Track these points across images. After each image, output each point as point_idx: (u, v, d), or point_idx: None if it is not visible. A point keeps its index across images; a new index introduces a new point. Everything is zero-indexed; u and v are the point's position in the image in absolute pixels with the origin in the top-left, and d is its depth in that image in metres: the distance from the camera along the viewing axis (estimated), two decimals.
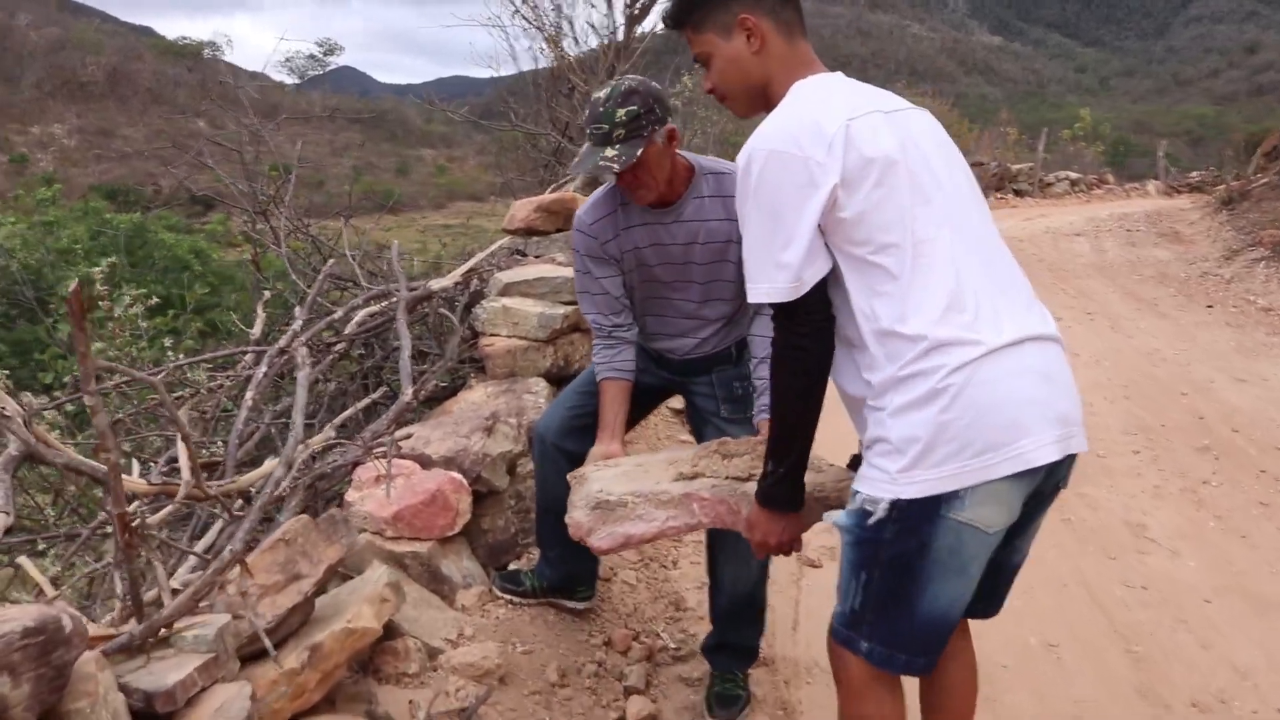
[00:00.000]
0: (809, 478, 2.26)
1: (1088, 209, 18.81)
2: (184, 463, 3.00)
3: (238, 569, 2.25)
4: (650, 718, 3.11)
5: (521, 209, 5.31)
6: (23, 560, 2.94)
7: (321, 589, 2.63)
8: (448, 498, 3.30)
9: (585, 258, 3.07)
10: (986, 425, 1.89)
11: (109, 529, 3.11)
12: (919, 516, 1.93)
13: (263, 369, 3.80)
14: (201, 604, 2.28)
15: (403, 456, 3.50)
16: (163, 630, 2.10)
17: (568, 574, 3.38)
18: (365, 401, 4.03)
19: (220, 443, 3.59)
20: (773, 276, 1.97)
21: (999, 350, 1.92)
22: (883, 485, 1.96)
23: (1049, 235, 14.91)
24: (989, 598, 2.22)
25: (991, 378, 1.90)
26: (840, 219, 1.95)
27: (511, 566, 3.56)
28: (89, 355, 1.85)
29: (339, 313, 4.30)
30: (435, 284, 4.34)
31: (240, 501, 3.31)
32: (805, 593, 4.07)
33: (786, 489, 2.17)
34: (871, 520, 1.98)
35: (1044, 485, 2.01)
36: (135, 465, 3.25)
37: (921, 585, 1.98)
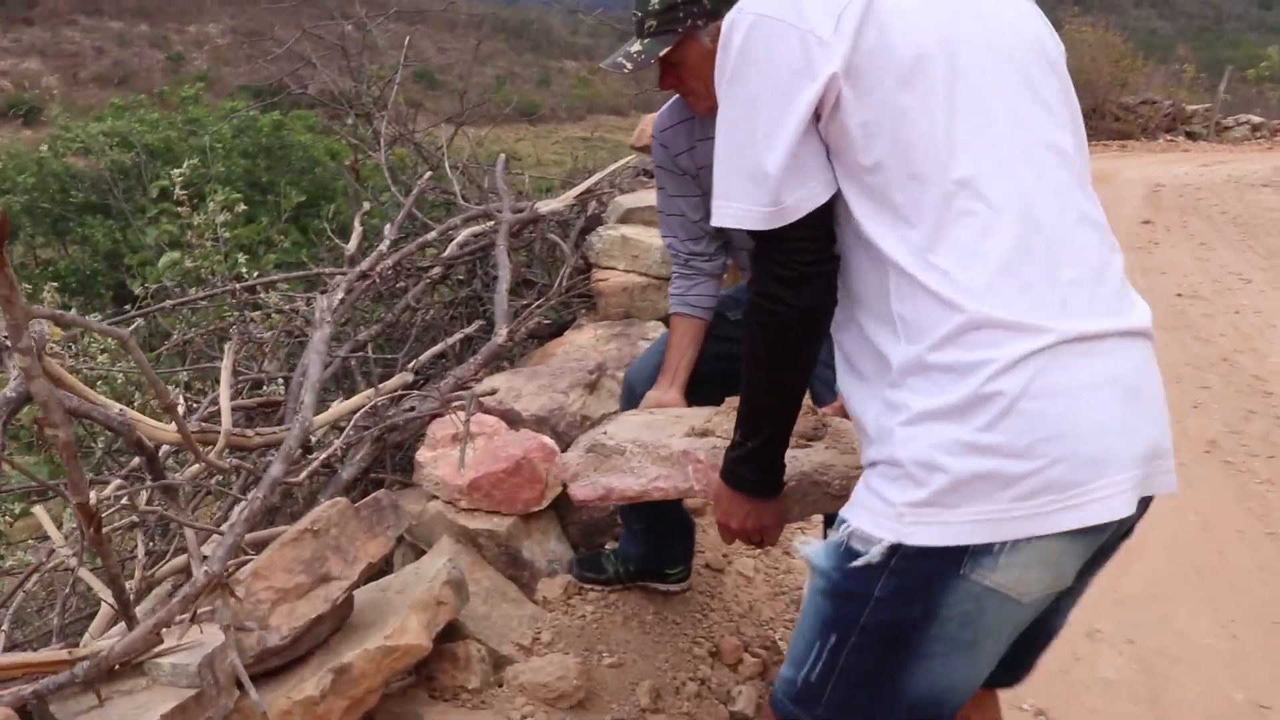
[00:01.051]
0: (815, 455, 1.91)
1: (1272, 157, 17.18)
2: (224, 406, 2.52)
3: (240, 571, 1.73)
4: None
5: (651, 124, 4.68)
6: (37, 510, 2.50)
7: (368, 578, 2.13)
8: (535, 467, 2.75)
9: (660, 170, 2.63)
10: (1047, 457, 1.33)
11: (144, 477, 2.66)
12: (929, 572, 1.38)
13: (339, 295, 3.30)
14: (201, 611, 1.79)
15: (487, 411, 2.96)
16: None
17: (656, 551, 2.82)
18: (455, 337, 3.51)
19: (282, 380, 3.11)
20: (746, 191, 1.45)
21: (1071, 345, 1.36)
22: (882, 520, 1.40)
23: (1232, 185, 13.55)
24: (1011, 666, 1.63)
25: (1059, 387, 1.34)
26: (844, 127, 1.41)
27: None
28: (16, 302, 1.33)
29: (434, 232, 3.77)
30: (543, 206, 3.77)
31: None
32: None
33: (754, 470, 1.69)
34: (858, 564, 1.40)
35: (1111, 539, 1.44)
36: (180, 406, 2.78)
37: (915, 663, 1.43)
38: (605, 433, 2.19)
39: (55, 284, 11.49)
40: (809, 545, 1.55)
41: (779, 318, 1.49)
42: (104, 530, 1.56)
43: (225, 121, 11.83)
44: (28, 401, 1.92)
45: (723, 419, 2.12)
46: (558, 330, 3.94)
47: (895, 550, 1.38)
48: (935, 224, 1.38)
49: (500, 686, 2.37)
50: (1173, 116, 21.48)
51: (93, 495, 1.56)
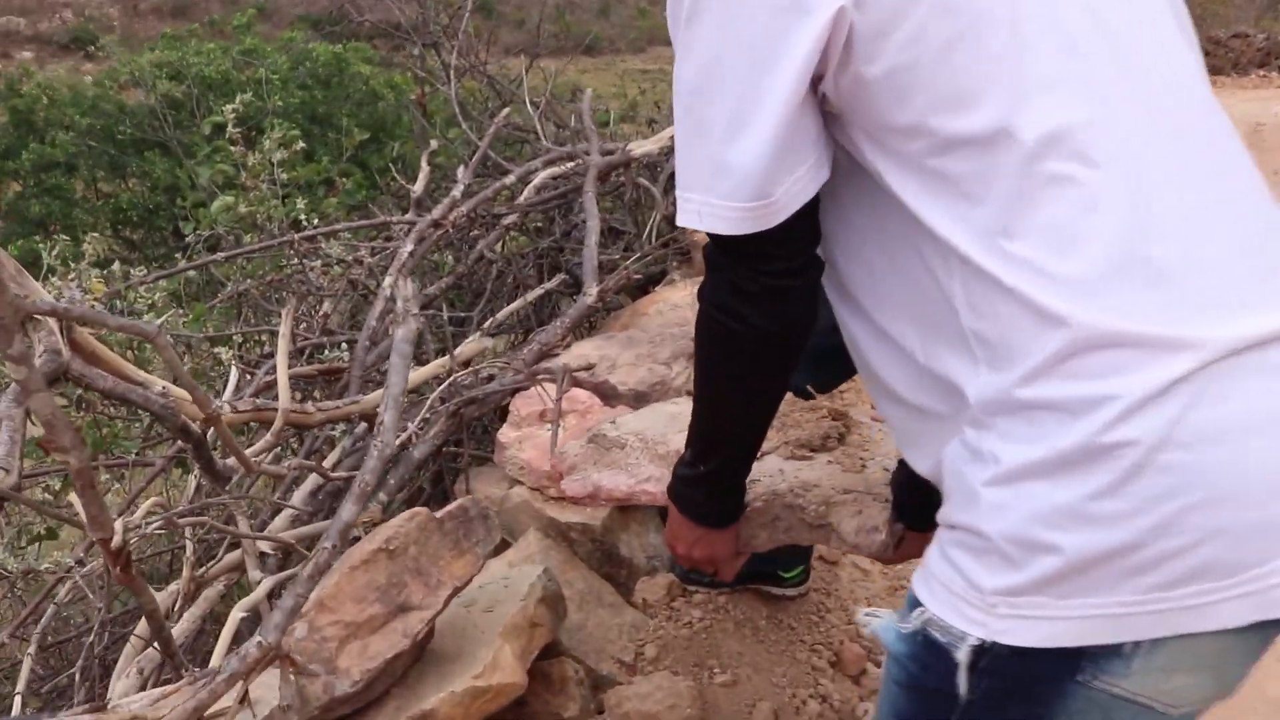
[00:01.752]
0: (803, 471, 1.64)
1: None
2: (281, 380, 2.19)
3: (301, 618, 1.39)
4: None
5: None
6: (73, 496, 2.19)
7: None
8: None
9: None
10: (1201, 530, 0.92)
11: (186, 458, 2.35)
12: (1034, 676, 1.00)
13: (409, 246, 2.95)
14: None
15: (577, 385, 2.61)
16: None
17: (773, 550, 2.47)
18: (535, 293, 3.15)
19: (345, 344, 2.77)
20: (713, 182, 1.04)
21: (1235, 360, 0.93)
22: (967, 610, 1.00)
23: None
24: None
25: (1219, 427, 0.92)
26: (860, 80, 1.00)
27: None
28: (5, 298, 0.98)
29: (512, 176, 3.40)
30: (637, 148, 3.38)
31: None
32: None
33: (704, 495, 1.41)
34: (935, 659, 1.02)
35: None
36: (233, 375, 2.45)
37: None
38: (614, 421, 1.95)
39: (116, 218, 11.31)
40: (877, 620, 1.15)
41: (737, 339, 1.15)
42: (134, 562, 1.23)
43: (282, 52, 11.48)
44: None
45: None
46: (643, 287, 3.57)
47: (985, 652, 0.99)
48: (1012, 198, 0.97)
49: (600, 714, 2.04)
50: (1266, 51, 20.40)
51: (118, 525, 1.22)
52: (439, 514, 1.68)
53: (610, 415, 2.08)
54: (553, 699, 1.97)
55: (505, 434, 2.50)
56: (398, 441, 2.28)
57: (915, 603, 1.06)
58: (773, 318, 1.13)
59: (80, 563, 1.80)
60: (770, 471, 1.59)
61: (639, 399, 2.55)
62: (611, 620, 2.24)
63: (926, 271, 1.04)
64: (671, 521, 1.48)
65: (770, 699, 2.26)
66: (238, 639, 1.68)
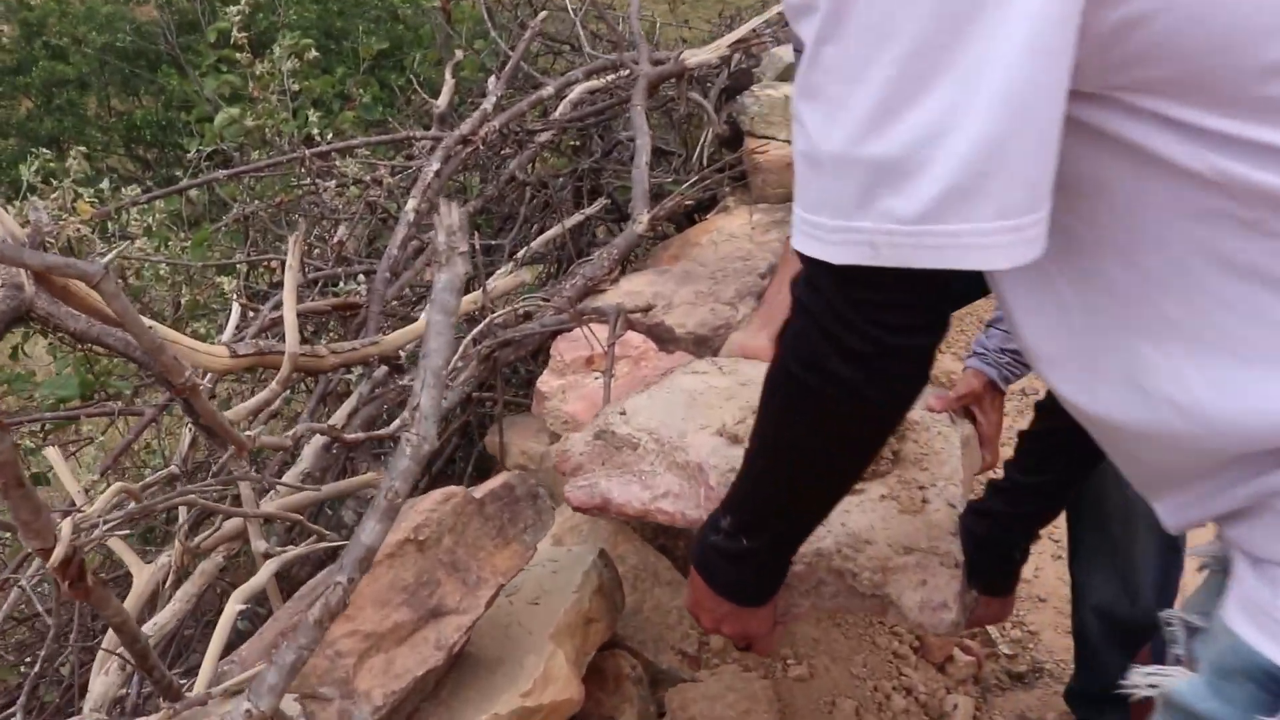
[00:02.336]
0: (852, 515, 1.37)
1: None
2: (289, 319, 1.88)
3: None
4: None
5: None
6: (49, 452, 1.89)
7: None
8: None
9: None
10: None
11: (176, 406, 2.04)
12: None
13: (434, 165, 2.61)
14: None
15: (630, 326, 2.28)
16: None
17: None
18: (574, 219, 2.81)
19: (363, 275, 2.44)
20: (871, 190, 0.77)
21: None
22: None
23: None
24: None
25: None
26: (1112, 28, 0.73)
27: None
28: None
29: (549, 88, 3.03)
30: (691, 58, 3.00)
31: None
32: None
33: (742, 572, 1.16)
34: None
35: None
36: (234, 312, 2.13)
37: None
38: (623, 413, 1.66)
39: (130, 136, 10.92)
40: (1177, 680, 0.88)
41: (830, 407, 0.93)
42: (88, 578, 0.92)
43: None
44: None
45: None
46: (689, 217, 3.22)
47: None
48: None
49: (661, 718, 1.74)
50: None
51: (65, 527, 0.91)
52: (479, 493, 1.37)
53: (618, 403, 1.73)
54: (605, 699, 1.68)
55: (546, 382, 2.18)
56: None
57: (1240, 647, 0.81)
58: (887, 386, 0.90)
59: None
60: None
61: (700, 344, 2.22)
62: (670, 602, 1.93)
63: (1221, 277, 0.79)
64: (695, 589, 1.21)
65: (851, 694, 1.97)
66: (229, 646, 1.38)
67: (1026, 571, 2.57)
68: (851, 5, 0.74)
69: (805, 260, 0.86)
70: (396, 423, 1.88)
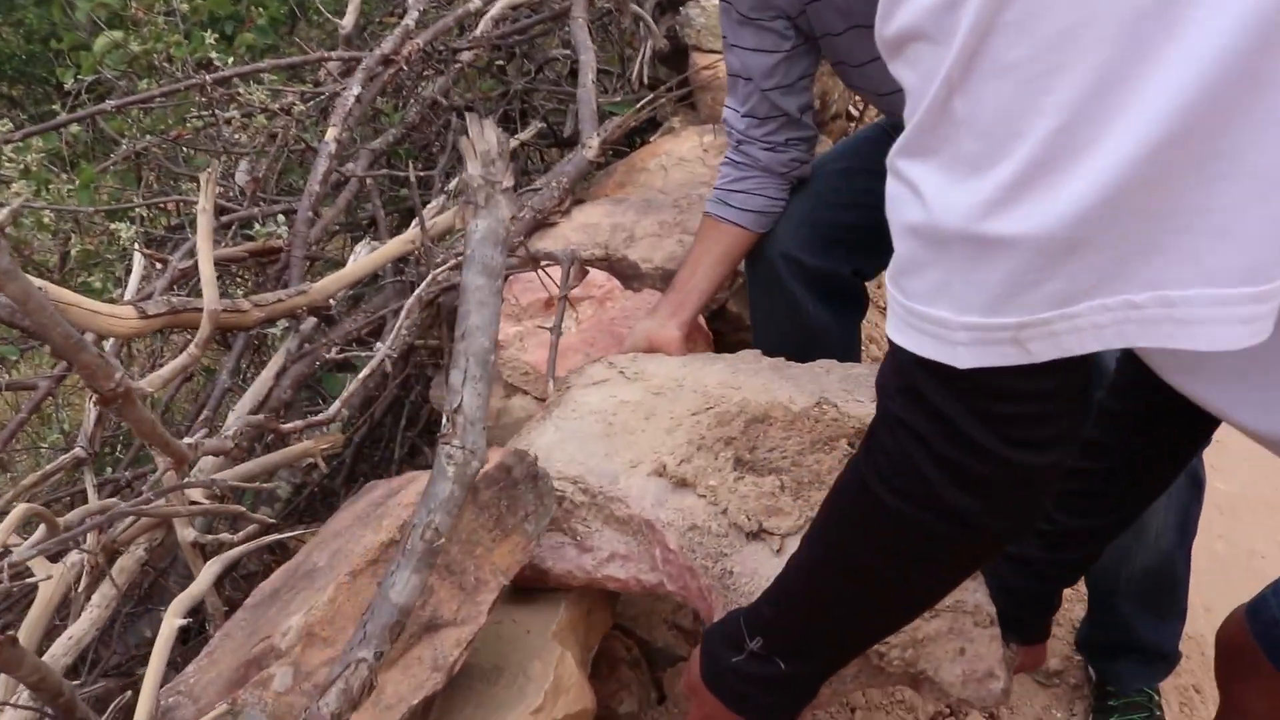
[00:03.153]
0: None
1: None
2: (205, 271, 1.62)
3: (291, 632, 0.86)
4: None
5: None
6: None
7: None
8: None
9: (725, 8, 1.73)
10: None
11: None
12: None
13: (355, 89, 2.32)
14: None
15: (588, 262, 2.06)
16: None
17: None
18: (509, 146, 2.54)
19: (283, 216, 2.16)
20: (1025, 277, 0.61)
21: None
22: None
23: None
24: None
25: None
26: None
27: None
28: None
29: (475, 0, 2.75)
30: None
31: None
32: None
33: (778, 697, 1.00)
34: None
35: None
36: (137, 264, 1.84)
37: None
38: (545, 444, 1.42)
39: None
40: None
41: (942, 540, 0.76)
42: None
43: None
44: None
45: (712, 460, 1.31)
46: (629, 140, 2.98)
47: None
48: None
49: (662, 703, 1.56)
50: None
51: None
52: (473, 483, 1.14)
53: (528, 427, 1.51)
54: (600, 687, 1.48)
55: (501, 329, 1.94)
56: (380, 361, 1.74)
57: None
58: (1016, 514, 0.74)
59: None
60: None
61: (669, 279, 2.00)
62: None
63: None
64: (702, 710, 1.05)
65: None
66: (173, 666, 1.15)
67: None
68: (1000, 32, 0.57)
69: (910, 366, 0.70)
70: (336, 404, 1.64)
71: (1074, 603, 2.18)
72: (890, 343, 0.72)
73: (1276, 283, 0.59)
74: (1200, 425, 1.14)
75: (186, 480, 1.44)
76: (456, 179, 2.47)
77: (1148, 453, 1.18)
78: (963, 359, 0.65)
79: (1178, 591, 1.78)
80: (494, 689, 1.16)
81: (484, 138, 0.66)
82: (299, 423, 1.55)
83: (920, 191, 0.64)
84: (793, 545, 1.22)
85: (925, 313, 0.66)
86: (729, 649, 1.00)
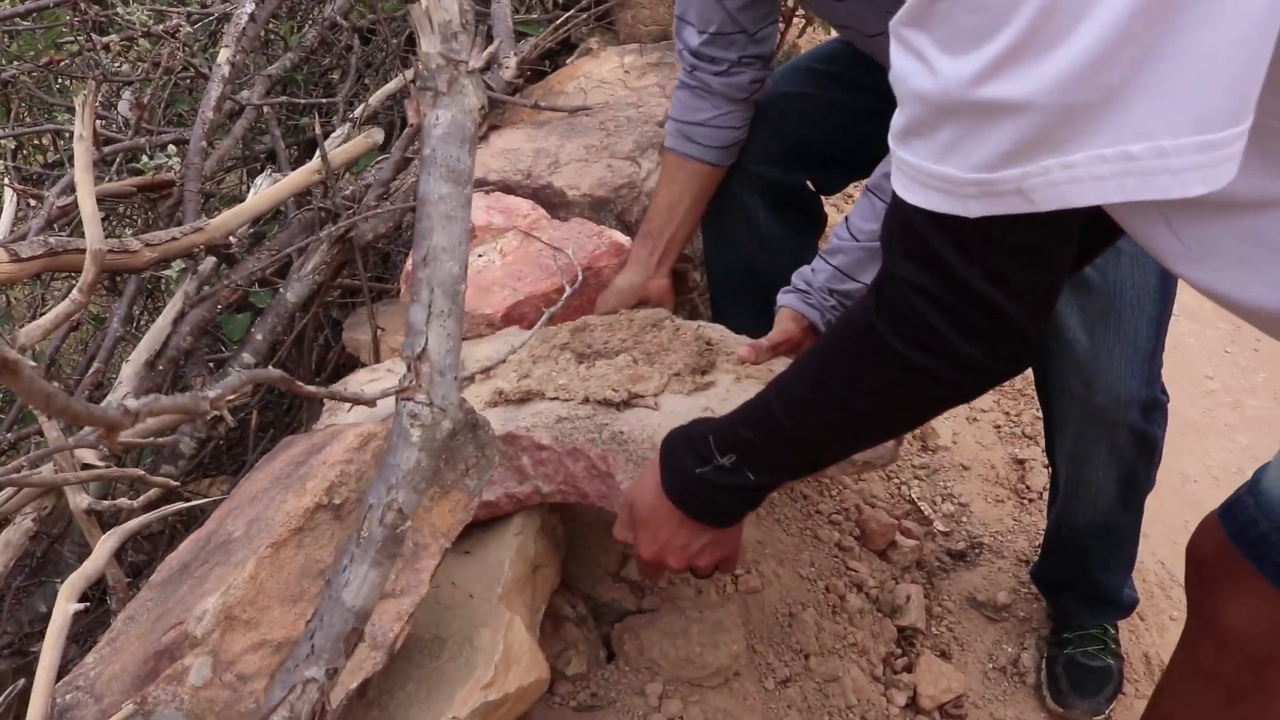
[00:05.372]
0: (725, 403, 1.30)
1: None
2: (86, 207, 1.46)
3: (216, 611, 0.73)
4: (956, 703, 1.75)
5: None
6: None
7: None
8: (608, 283, 1.75)
9: None
10: None
11: None
12: None
13: (248, 7, 2.13)
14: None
15: (509, 190, 1.92)
16: None
17: None
18: (392, 85, 2.39)
19: (174, 147, 1.96)
20: (1028, 136, 0.66)
21: None
22: None
23: None
24: None
25: None
26: None
27: None
28: None
29: None
30: None
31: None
32: None
33: (739, 500, 1.10)
34: None
35: None
36: (8, 202, 1.65)
37: None
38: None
39: None
40: None
41: (945, 384, 0.86)
42: None
43: None
44: None
45: (553, 365, 1.43)
46: (547, 57, 2.82)
47: None
48: None
49: (611, 662, 1.46)
50: None
51: None
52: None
53: None
54: (545, 647, 1.38)
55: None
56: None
57: None
58: (1011, 362, 0.86)
59: None
60: (693, 417, 1.17)
61: (599, 208, 1.88)
62: (594, 523, 1.63)
63: None
64: (665, 527, 1.12)
65: (805, 599, 1.73)
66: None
67: (945, 437, 2.41)
68: None
69: (918, 220, 0.75)
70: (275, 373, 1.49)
71: (1016, 534, 2.14)
72: (894, 203, 0.77)
73: (1249, 119, 0.64)
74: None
75: (74, 440, 1.29)
76: (361, 106, 2.30)
77: None
78: (973, 209, 0.69)
79: (1122, 545, 1.76)
80: (437, 663, 1.05)
81: (442, 4, 0.54)
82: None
83: (927, 60, 0.67)
84: (668, 402, 1.33)
85: (934, 170, 0.70)
86: (694, 460, 1.06)
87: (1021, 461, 2.35)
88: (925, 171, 0.71)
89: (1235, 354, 2.96)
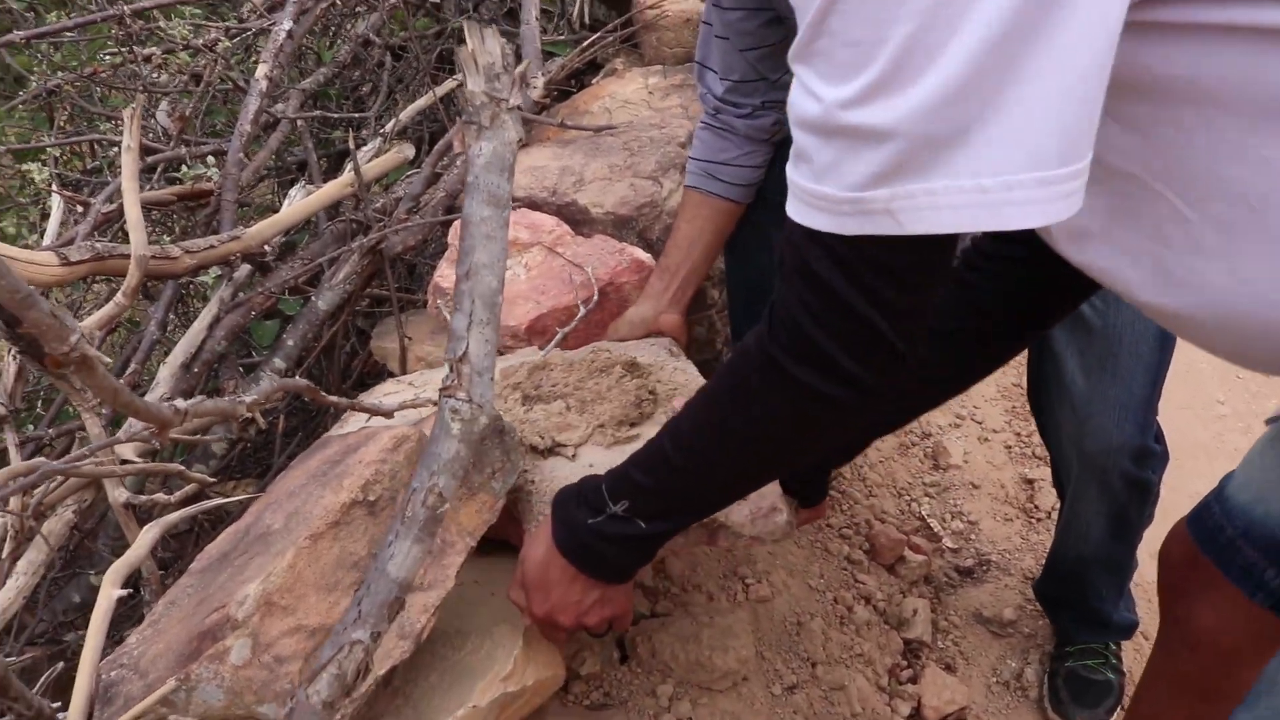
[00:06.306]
0: None
1: None
2: (131, 214, 1.52)
3: (253, 600, 0.79)
4: (959, 716, 1.79)
5: None
6: None
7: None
8: (627, 298, 1.81)
9: None
10: None
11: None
12: None
13: (286, 24, 2.20)
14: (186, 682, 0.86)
15: (535, 206, 1.98)
16: None
17: None
18: (448, 86, 2.46)
19: (212, 158, 2.03)
20: (994, 147, 0.70)
21: None
22: None
23: None
24: None
25: None
26: None
27: None
28: None
29: None
30: None
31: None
32: None
33: (630, 553, 1.07)
34: None
35: None
36: (56, 207, 1.72)
37: None
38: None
39: None
40: None
41: (824, 409, 0.87)
42: None
43: None
44: None
45: (497, 403, 1.41)
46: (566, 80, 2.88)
47: None
48: None
49: (625, 663, 1.51)
50: None
51: None
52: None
53: None
54: (560, 651, 1.43)
55: (445, 275, 1.86)
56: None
57: None
58: (892, 377, 0.85)
59: None
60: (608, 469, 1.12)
61: (621, 225, 1.94)
62: None
63: None
64: (554, 588, 1.07)
65: (814, 610, 1.78)
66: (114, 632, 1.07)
67: (956, 456, 2.45)
68: None
69: (802, 240, 0.80)
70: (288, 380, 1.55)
71: (1024, 552, 2.18)
72: (786, 225, 0.82)
73: (1086, 159, 0.70)
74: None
75: (119, 436, 1.35)
76: (391, 121, 2.37)
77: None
78: (849, 227, 0.74)
79: (1116, 574, 1.81)
80: (460, 655, 1.10)
81: (486, 48, 0.59)
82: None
83: (813, 91, 0.73)
84: (587, 454, 1.32)
85: (816, 189, 0.75)
86: (586, 512, 1.04)
87: (1031, 481, 2.39)
88: (809, 191, 0.76)
89: (1247, 379, 2.99)
